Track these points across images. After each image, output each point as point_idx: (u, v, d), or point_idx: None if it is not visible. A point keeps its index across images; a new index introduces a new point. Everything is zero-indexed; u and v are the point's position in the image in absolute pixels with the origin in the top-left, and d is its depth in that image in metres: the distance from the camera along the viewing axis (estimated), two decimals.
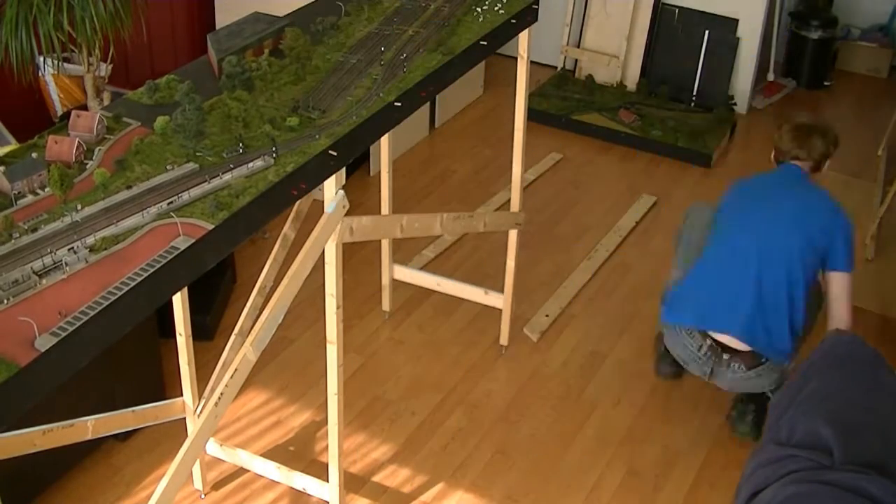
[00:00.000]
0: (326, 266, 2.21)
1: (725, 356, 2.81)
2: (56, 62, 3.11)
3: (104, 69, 3.24)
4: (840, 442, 2.05)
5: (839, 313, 2.79)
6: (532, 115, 4.44)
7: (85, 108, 3.26)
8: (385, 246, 3.26)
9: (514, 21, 2.68)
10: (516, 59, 2.82)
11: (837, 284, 2.80)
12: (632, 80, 5.00)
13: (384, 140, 2.98)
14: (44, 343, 1.49)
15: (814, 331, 2.93)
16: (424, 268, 3.58)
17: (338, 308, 2.25)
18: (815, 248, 2.77)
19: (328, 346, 2.30)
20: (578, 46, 5.10)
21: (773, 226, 2.79)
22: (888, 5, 5.49)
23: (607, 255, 3.77)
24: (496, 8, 2.69)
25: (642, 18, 4.95)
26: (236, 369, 2.08)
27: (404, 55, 2.41)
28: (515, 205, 3.05)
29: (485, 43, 2.56)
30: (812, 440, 2.10)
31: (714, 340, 2.82)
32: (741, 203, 2.94)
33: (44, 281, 1.61)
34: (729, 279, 2.81)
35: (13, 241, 1.69)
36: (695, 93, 4.91)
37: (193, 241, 1.73)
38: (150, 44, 3.88)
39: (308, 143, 2.04)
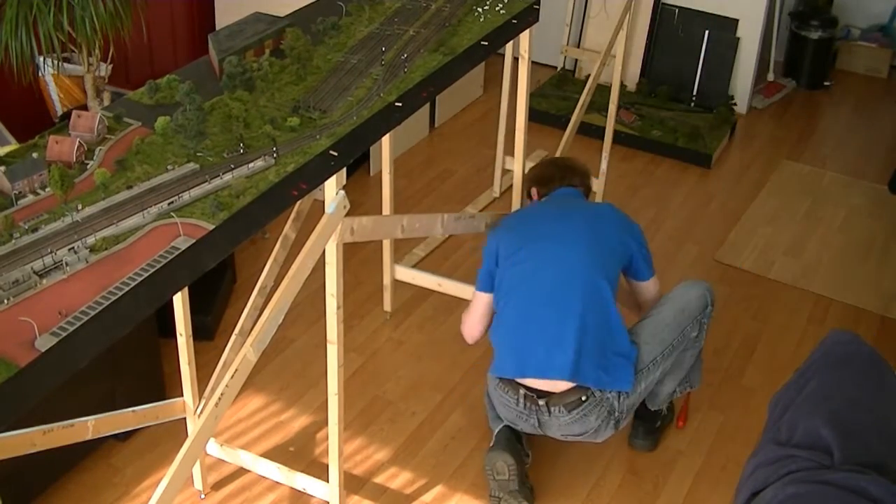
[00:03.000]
0: (327, 266, 2.21)
1: (541, 402, 2.54)
2: (56, 62, 3.11)
3: (104, 69, 3.24)
4: (840, 442, 2.05)
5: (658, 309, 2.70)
6: (532, 115, 4.44)
7: (85, 108, 3.26)
8: (386, 246, 3.26)
9: (514, 21, 2.68)
10: (516, 58, 2.82)
11: (650, 290, 2.76)
12: (632, 80, 5.00)
13: (385, 140, 2.98)
14: (44, 343, 1.49)
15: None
16: (417, 266, 3.57)
17: (338, 308, 2.25)
18: (616, 260, 2.64)
19: (328, 346, 2.30)
20: (578, 46, 5.10)
21: (570, 248, 2.58)
22: (888, 5, 5.49)
23: None
24: (497, 8, 2.69)
25: (642, 18, 4.94)
26: (237, 369, 2.08)
27: (405, 55, 2.41)
28: (516, 204, 3.05)
29: (486, 43, 2.56)
30: (812, 440, 2.10)
31: (527, 388, 2.56)
32: (525, 236, 2.66)
33: (44, 281, 1.61)
34: (530, 324, 2.56)
35: (13, 241, 1.69)
36: (695, 93, 4.90)
37: (194, 241, 1.73)
38: (150, 44, 3.88)
39: (309, 143, 2.04)
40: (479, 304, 2.75)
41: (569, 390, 2.53)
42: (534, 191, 2.88)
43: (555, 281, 2.56)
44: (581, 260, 2.56)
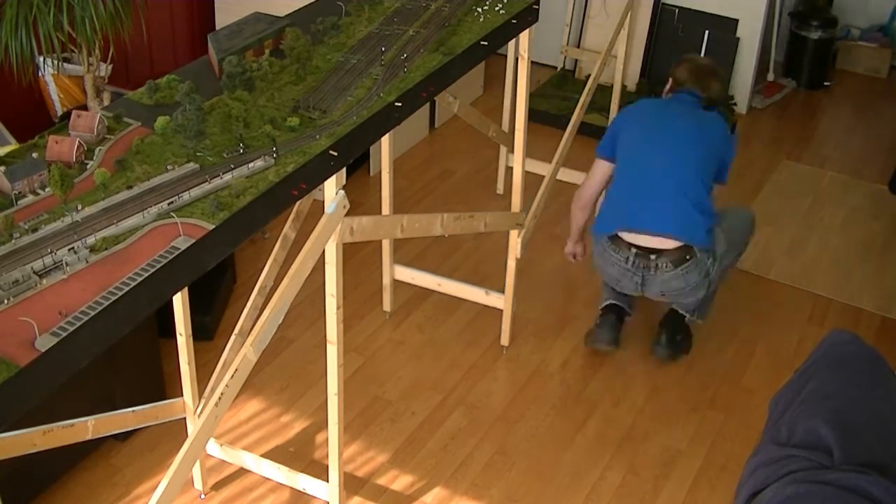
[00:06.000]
0: (327, 266, 2.21)
1: (652, 256, 3.00)
2: (56, 62, 3.11)
3: (104, 69, 3.24)
4: (840, 442, 2.05)
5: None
6: (532, 115, 4.44)
7: (85, 108, 3.26)
8: (386, 246, 3.26)
9: (514, 21, 2.68)
10: (517, 59, 2.82)
11: (719, 191, 3.27)
12: (632, 80, 5.00)
13: (385, 140, 2.98)
14: (44, 343, 1.49)
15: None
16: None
17: (338, 308, 2.25)
18: (713, 160, 3.10)
19: (328, 346, 2.30)
20: (578, 46, 5.10)
21: (679, 141, 3.07)
22: (888, 5, 5.49)
23: None
24: (496, 8, 2.69)
25: (642, 18, 4.94)
26: (236, 369, 2.08)
27: (405, 55, 2.41)
28: (516, 205, 3.05)
29: (485, 43, 2.56)
30: (812, 440, 2.10)
31: (638, 248, 3.01)
32: (642, 125, 3.17)
33: (44, 281, 1.61)
34: (645, 189, 3.04)
35: (13, 241, 1.69)
36: None
37: (194, 241, 1.73)
38: (150, 44, 3.88)
39: (308, 143, 2.04)
40: (600, 171, 3.21)
41: (675, 248, 3.00)
42: (670, 83, 3.30)
43: (664, 168, 3.03)
44: (687, 156, 3.05)
